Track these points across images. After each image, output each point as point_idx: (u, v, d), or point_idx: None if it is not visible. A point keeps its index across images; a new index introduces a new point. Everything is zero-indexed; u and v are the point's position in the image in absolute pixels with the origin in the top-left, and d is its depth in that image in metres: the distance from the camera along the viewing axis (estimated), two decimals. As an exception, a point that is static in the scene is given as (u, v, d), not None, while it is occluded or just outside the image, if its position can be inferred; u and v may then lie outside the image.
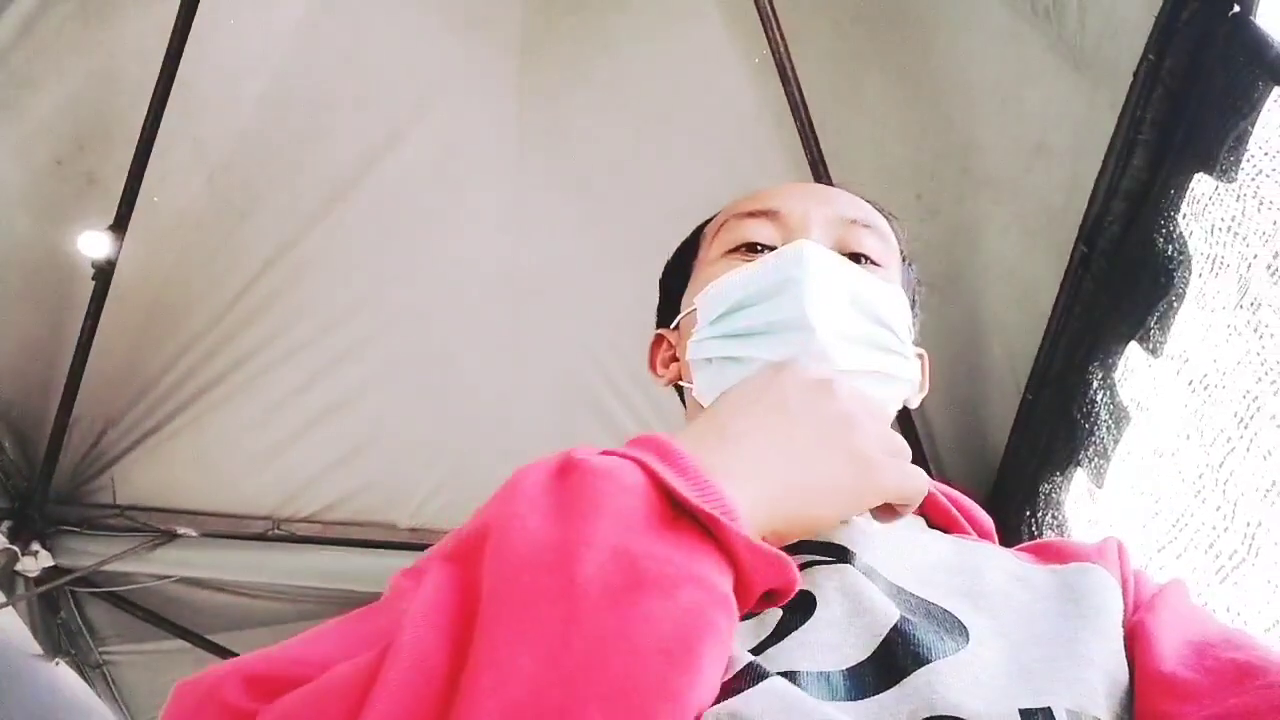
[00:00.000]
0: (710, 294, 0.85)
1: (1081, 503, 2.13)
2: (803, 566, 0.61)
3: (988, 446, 2.65)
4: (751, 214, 0.90)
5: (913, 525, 0.74)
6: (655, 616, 0.45)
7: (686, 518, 0.50)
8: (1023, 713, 0.50)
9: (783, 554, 0.52)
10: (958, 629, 0.57)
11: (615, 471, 0.51)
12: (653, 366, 0.99)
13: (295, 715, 0.44)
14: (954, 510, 0.77)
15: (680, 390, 0.93)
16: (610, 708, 0.41)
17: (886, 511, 0.66)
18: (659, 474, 0.51)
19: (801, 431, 0.61)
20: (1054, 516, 2.25)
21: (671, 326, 0.97)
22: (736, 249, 0.88)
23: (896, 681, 0.52)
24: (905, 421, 2.57)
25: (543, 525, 0.48)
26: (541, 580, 0.45)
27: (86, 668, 3.19)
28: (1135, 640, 0.59)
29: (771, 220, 0.88)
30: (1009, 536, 2.38)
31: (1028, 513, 2.35)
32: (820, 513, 0.59)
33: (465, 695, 0.41)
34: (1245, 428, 1.37)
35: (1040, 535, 2.29)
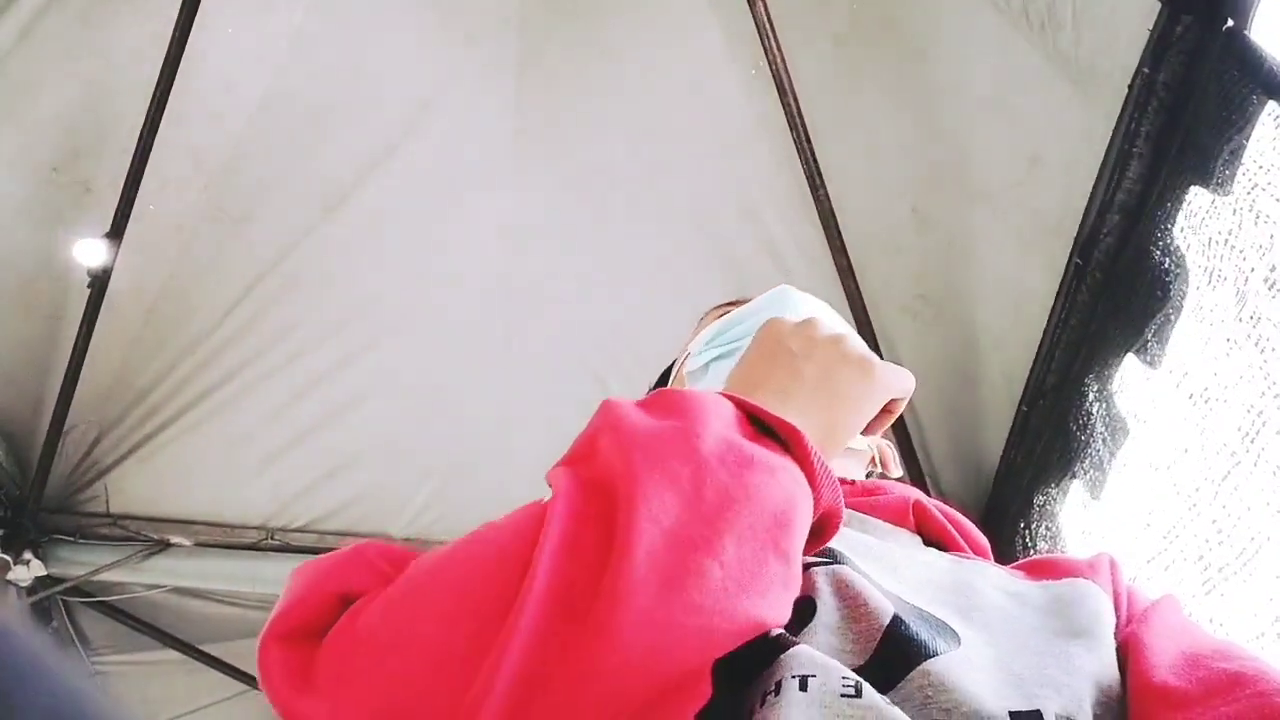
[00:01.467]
0: (701, 335, 0.97)
1: (1076, 514, 2.13)
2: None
3: (983, 458, 2.65)
4: (730, 303, 1.05)
5: (909, 543, 0.74)
6: (765, 487, 0.52)
7: (767, 435, 0.57)
8: (1013, 715, 0.51)
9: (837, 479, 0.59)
10: (949, 633, 0.58)
11: (702, 395, 0.58)
12: None
13: (468, 558, 0.51)
14: (950, 527, 0.77)
15: None
16: (739, 544, 0.49)
17: (883, 417, 0.73)
18: (742, 400, 0.59)
19: (804, 362, 0.69)
20: (1048, 528, 2.25)
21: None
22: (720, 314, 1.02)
23: (895, 684, 0.52)
24: (901, 434, 2.57)
25: (653, 420, 0.55)
26: (668, 445, 0.52)
27: (78, 678, 3.16)
28: (1128, 651, 0.59)
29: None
30: (1004, 548, 2.38)
31: (1022, 524, 2.35)
32: (846, 421, 0.68)
33: (627, 518, 0.47)
34: (1251, 442, 1.37)
35: (1035, 546, 2.29)
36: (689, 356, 0.97)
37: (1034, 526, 2.29)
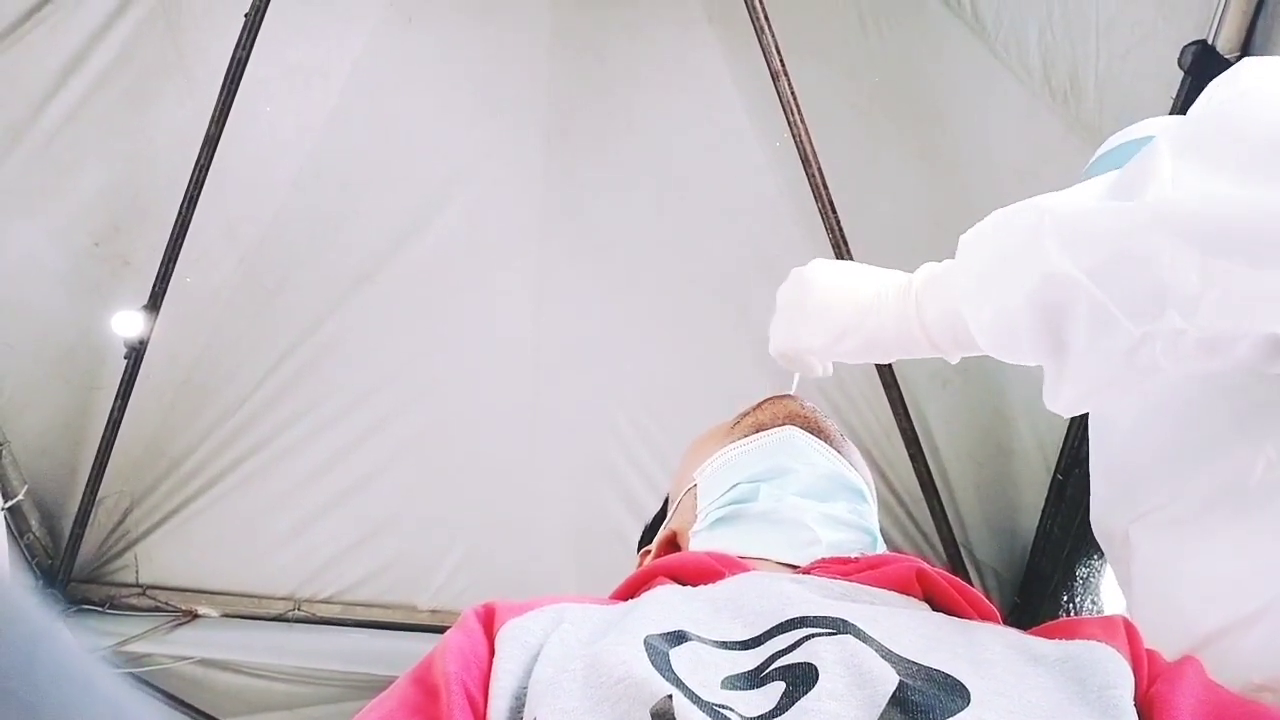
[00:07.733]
0: (708, 471, 0.94)
1: (1116, 586, 2.07)
2: (803, 639, 0.61)
3: (1019, 528, 2.60)
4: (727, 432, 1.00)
5: (915, 608, 0.74)
6: None
7: None
8: None
9: None
10: (958, 690, 0.57)
11: None
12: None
13: None
14: (956, 595, 0.77)
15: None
16: None
17: None
18: None
19: None
20: (1092, 601, 2.19)
21: (665, 523, 1.01)
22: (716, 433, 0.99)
23: None
24: (934, 502, 2.53)
25: None
26: None
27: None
28: (1152, 710, 0.58)
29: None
30: (1044, 620, 2.31)
31: (1065, 597, 2.29)
32: None
33: None
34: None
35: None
36: (697, 496, 0.94)
37: (1078, 599, 2.23)
